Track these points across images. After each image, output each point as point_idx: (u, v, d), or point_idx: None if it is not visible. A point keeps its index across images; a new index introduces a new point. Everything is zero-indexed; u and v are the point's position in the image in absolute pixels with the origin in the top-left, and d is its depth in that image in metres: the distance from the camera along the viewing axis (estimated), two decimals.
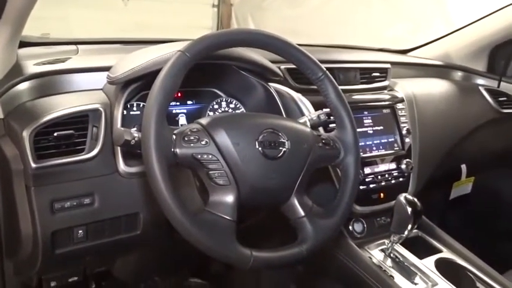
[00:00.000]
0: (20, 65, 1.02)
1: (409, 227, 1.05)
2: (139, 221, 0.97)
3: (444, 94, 1.56)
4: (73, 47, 1.22)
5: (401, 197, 1.06)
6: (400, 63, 1.58)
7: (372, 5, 2.84)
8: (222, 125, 0.82)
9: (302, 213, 0.87)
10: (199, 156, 0.79)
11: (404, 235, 1.08)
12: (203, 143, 0.80)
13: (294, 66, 1.24)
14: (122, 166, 0.92)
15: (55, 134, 0.86)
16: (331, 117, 1.01)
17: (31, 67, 1.01)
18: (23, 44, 1.17)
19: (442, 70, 1.77)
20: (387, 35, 2.61)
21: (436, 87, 1.57)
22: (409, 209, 1.04)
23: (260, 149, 0.83)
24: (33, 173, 0.83)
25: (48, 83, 0.98)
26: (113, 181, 0.92)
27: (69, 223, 0.88)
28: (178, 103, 1.12)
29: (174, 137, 0.78)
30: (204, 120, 0.83)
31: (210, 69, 1.10)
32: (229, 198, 0.81)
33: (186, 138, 0.79)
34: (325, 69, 0.95)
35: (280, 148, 0.85)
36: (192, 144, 0.79)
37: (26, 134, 0.84)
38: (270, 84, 1.13)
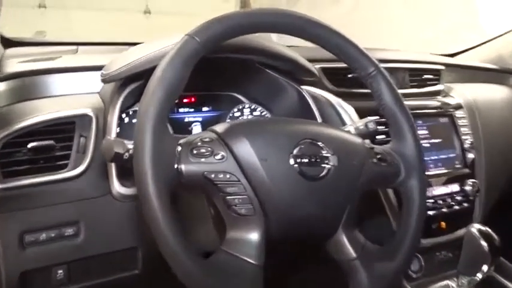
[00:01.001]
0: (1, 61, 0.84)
1: (485, 268, 0.81)
2: (138, 257, 0.76)
3: (507, 101, 1.31)
4: (73, 47, 1.03)
5: (473, 228, 0.83)
6: (453, 65, 1.34)
7: (407, 5, 2.62)
8: (244, 134, 0.61)
9: (353, 253, 0.64)
10: (212, 175, 0.58)
11: (477, 278, 0.83)
12: (218, 157, 0.59)
13: (331, 66, 1.06)
14: (116, 186, 0.71)
15: (29, 146, 0.66)
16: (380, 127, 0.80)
17: (12, 66, 0.82)
18: (13, 44, 0.99)
19: (497, 75, 1.53)
20: (424, 37, 2.37)
21: (497, 94, 1.33)
22: (485, 244, 0.80)
23: (296, 166, 0.61)
24: None
25: (32, 85, 0.79)
26: (104, 206, 0.72)
27: (46, 261, 0.68)
28: (192, 109, 0.93)
29: (179, 148, 0.57)
30: (219, 127, 0.62)
31: (229, 67, 0.89)
32: (254, 234, 0.59)
33: (195, 151, 0.58)
34: (378, 63, 0.74)
35: (323, 165, 0.63)
36: (203, 159, 0.58)
37: None
38: (302, 86, 0.93)
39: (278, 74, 0.91)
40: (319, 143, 0.64)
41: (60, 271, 0.69)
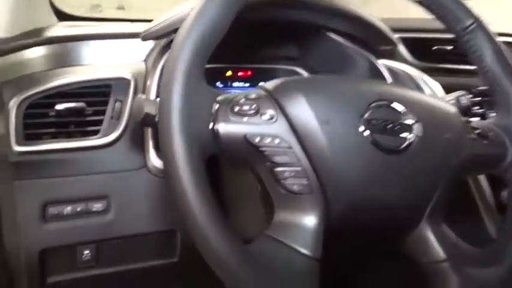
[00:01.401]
0: (45, 27, 0.79)
1: None
2: (176, 242, 0.66)
3: None
4: None
5: None
6: None
7: None
8: (301, 90, 0.48)
9: (442, 254, 0.49)
10: (257, 139, 0.45)
11: None
12: (266, 117, 0.46)
13: (412, 36, 0.90)
14: (152, 159, 0.62)
15: (57, 107, 0.59)
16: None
17: (55, 31, 0.77)
18: (67, 17, 0.95)
19: None
20: None
21: None
22: None
23: (368, 133, 0.47)
24: (16, 159, 0.56)
25: (74, 51, 0.72)
26: (138, 180, 0.62)
27: (70, 239, 0.60)
28: (247, 84, 0.82)
29: (216, 106, 0.46)
30: (270, 84, 0.50)
31: (290, 35, 0.77)
32: (310, 217, 0.46)
33: (236, 108, 0.46)
34: (478, 15, 0.58)
35: (404, 134, 0.48)
36: (245, 119, 0.46)
37: (13, 104, 0.57)
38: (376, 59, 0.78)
39: (348, 42, 0.77)
40: (399, 107, 0.49)
41: (87, 251, 0.61)
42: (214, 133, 0.45)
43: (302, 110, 0.46)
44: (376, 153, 0.47)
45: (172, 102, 0.42)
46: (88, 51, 0.73)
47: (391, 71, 0.78)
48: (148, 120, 0.48)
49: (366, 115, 0.48)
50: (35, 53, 0.69)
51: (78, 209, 0.59)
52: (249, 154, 0.46)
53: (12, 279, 0.60)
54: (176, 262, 0.66)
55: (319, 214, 0.46)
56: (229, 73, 0.79)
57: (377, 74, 0.77)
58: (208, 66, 0.46)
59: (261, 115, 0.46)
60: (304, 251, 0.45)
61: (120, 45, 0.75)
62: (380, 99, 0.49)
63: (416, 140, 0.48)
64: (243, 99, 0.47)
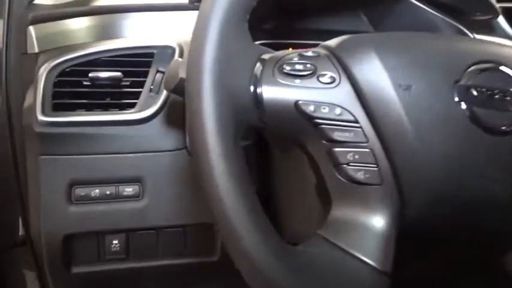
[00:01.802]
0: None
1: None
2: (216, 239, 0.57)
3: None
4: None
5: None
6: None
7: None
8: (372, 47, 0.36)
9: None
10: (311, 107, 0.35)
11: None
12: (325, 79, 0.35)
13: None
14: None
15: (90, 75, 0.52)
16: None
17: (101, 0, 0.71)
18: None
19: None
20: None
21: None
22: None
23: (464, 105, 0.35)
24: (40, 130, 0.50)
25: (117, 23, 0.66)
26: (176, 163, 0.54)
27: (97, 225, 0.53)
28: None
29: (258, 64, 0.36)
30: (333, 41, 0.39)
31: (358, 2, 0.65)
32: (379, 218, 0.35)
33: (287, 68, 0.35)
34: None
35: None
36: (297, 81, 0.35)
37: (43, 70, 0.52)
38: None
39: (437, 10, 0.63)
40: (509, 71, 0.36)
41: (116, 241, 0.53)
42: (257, 99, 0.34)
43: (373, 71, 0.35)
44: (476, 132, 0.34)
45: (203, 55, 0.33)
46: (132, 23, 0.66)
47: None
48: (180, 89, 0.39)
49: (463, 81, 0.35)
50: (77, 24, 0.63)
51: (108, 192, 0.52)
52: (300, 128, 0.35)
53: (37, 266, 0.54)
54: (216, 261, 0.57)
55: (391, 213, 0.35)
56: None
57: None
58: (264, 42, 0.36)
59: (319, 77, 0.35)
60: (368, 260, 0.33)
61: (167, 18, 0.68)
62: (483, 61, 0.36)
63: None
64: (296, 58, 0.36)
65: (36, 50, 0.58)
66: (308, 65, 0.35)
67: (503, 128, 0.35)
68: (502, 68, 0.36)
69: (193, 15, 0.59)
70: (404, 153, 0.34)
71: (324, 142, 0.35)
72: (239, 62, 0.34)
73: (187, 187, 0.54)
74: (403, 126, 0.34)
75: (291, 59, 0.36)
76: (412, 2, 0.63)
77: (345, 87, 0.35)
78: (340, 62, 0.36)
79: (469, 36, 0.63)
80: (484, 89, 0.35)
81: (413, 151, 0.34)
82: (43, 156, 0.51)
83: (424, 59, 0.36)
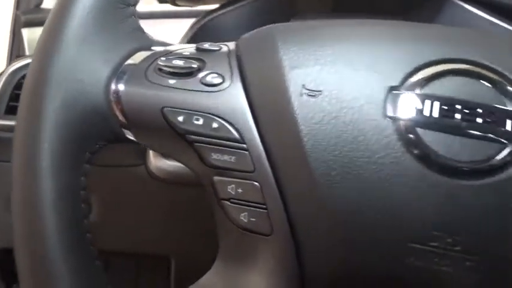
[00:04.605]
0: None
1: None
2: (170, 273, 0.48)
3: None
4: None
5: None
6: None
7: None
8: (279, 39, 0.25)
9: None
10: (180, 117, 0.25)
11: None
12: (209, 81, 0.25)
13: None
14: (151, 157, 0.46)
15: None
16: None
17: None
18: None
19: None
20: None
21: None
22: None
23: (402, 125, 0.22)
24: None
25: None
26: (131, 180, 0.47)
27: None
28: None
29: (137, 57, 0.27)
30: (246, 34, 0.28)
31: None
32: (270, 279, 0.23)
33: (161, 64, 0.26)
34: None
35: (501, 140, 0.22)
36: (172, 81, 0.26)
37: (7, 69, 0.49)
38: None
39: (493, 15, 0.49)
40: (494, 80, 0.22)
41: None
42: (111, 99, 0.26)
43: (271, 70, 0.24)
44: (422, 172, 0.21)
45: (49, 31, 0.26)
46: None
47: None
48: None
49: (406, 87, 0.23)
50: None
51: None
52: (172, 144, 0.26)
53: None
54: None
55: (286, 276, 0.23)
56: None
57: None
58: None
59: (202, 77, 0.26)
60: None
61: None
62: (448, 60, 0.23)
63: None
64: (187, 52, 0.27)
65: (27, 53, 0.57)
66: (193, 61, 0.26)
67: (474, 166, 0.21)
68: (482, 72, 0.22)
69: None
70: (303, 192, 0.23)
71: (205, 166, 0.25)
72: (101, 48, 0.26)
73: (142, 209, 0.47)
74: (302, 151, 0.23)
75: (171, 51, 0.27)
76: (461, 6, 0.49)
77: (234, 93, 0.25)
78: (238, 58, 0.26)
79: None
80: (444, 103, 0.22)
81: (315, 191, 0.22)
82: None
83: (352, 55, 0.24)
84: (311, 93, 0.23)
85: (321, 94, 0.23)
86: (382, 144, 0.22)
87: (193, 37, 0.50)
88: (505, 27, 0.48)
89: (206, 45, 0.27)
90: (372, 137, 0.22)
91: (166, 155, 0.41)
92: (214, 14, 0.52)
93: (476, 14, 0.49)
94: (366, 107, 0.22)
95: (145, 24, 0.52)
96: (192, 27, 0.52)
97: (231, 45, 0.28)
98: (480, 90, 0.22)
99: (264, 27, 0.27)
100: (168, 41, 0.31)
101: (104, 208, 0.47)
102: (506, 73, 0.22)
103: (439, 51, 0.23)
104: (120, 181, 0.47)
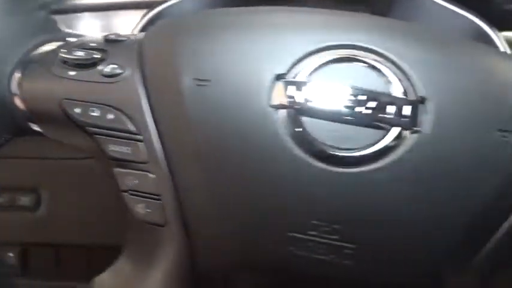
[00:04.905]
0: None
1: None
2: None
3: None
4: None
5: None
6: None
7: None
8: (177, 30, 0.25)
9: None
10: (78, 109, 0.25)
11: None
12: (108, 71, 0.25)
13: None
14: None
15: None
16: None
17: None
18: None
19: None
20: None
21: None
22: None
23: (284, 115, 0.22)
24: None
25: None
26: (81, 173, 0.47)
27: None
28: None
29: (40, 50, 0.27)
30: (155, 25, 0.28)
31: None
32: (162, 271, 0.23)
33: (62, 55, 0.26)
34: None
35: (384, 126, 0.21)
36: (72, 73, 0.25)
37: None
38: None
39: (454, 2, 0.49)
40: (385, 66, 0.22)
41: (11, 254, 0.48)
42: (15, 92, 0.26)
43: (166, 60, 0.24)
44: (303, 161, 0.21)
45: None
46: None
47: None
48: None
49: (293, 74, 0.22)
50: None
51: (1, 200, 0.47)
52: (74, 136, 0.26)
53: None
54: None
55: (178, 269, 0.23)
56: None
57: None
58: None
59: (103, 68, 0.25)
60: None
61: None
62: (334, 46, 0.22)
63: (415, 140, 0.21)
64: (93, 43, 0.27)
65: None
66: (95, 52, 0.26)
67: (354, 154, 0.21)
68: (366, 58, 0.22)
69: None
70: (194, 183, 0.22)
71: (106, 158, 0.25)
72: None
73: (91, 201, 0.47)
74: (192, 141, 0.22)
75: (80, 44, 0.27)
76: (447, 10, 0.49)
77: (132, 83, 0.25)
78: (140, 49, 0.26)
79: (489, 35, 0.46)
80: (331, 91, 0.22)
81: (205, 181, 0.22)
82: None
83: (243, 44, 0.23)
84: (201, 83, 0.23)
85: (210, 83, 0.22)
86: (266, 133, 0.21)
87: (144, 27, 0.50)
88: (457, 12, 0.48)
89: (113, 36, 0.27)
90: (256, 126, 0.22)
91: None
92: (168, 3, 0.51)
93: (436, 2, 0.49)
94: (252, 96, 0.22)
95: (102, 16, 0.52)
96: (142, 17, 0.51)
97: (140, 36, 0.27)
98: (366, 76, 0.22)
99: (169, 19, 0.27)
100: (96, 34, 0.31)
101: (53, 202, 0.47)
102: (394, 58, 0.22)
103: (327, 38, 0.22)
104: (71, 174, 0.47)
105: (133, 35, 0.27)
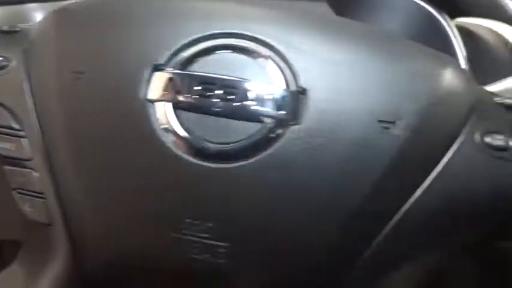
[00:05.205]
0: None
1: None
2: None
3: None
4: None
5: None
6: None
7: None
8: (60, 20, 0.24)
9: None
10: None
11: None
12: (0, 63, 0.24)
13: None
14: None
15: None
16: None
17: None
18: None
19: None
20: None
21: None
22: None
23: (161, 108, 0.21)
24: None
25: None
26: None
27: None
28: None
29: None
30: None
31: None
32: (47, 272, 0.23)
33: None
34: None
35: (264, 112, 0.21)
36: None
37: None
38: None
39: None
40: (256, 49, 0.21)
41: None
42: None
43: (46, 50, 0.23)
44: (172, 156, 0.20)
45: None
46: None
47: (471, 35, 0.45)
48: None
49: (172, 66, 0.21)
50: None
51: None
52: None
53: None
54: None
55: (63, 268, 0.22)
56: None
57: (439, 39, 0.45)
58: None
59: None
60: None
61: None
62: (214, 35, 0.21)
63: (293, 134, 0.20)
64: None
65: None
66: None
67: (226, 148, 0.20)
68: (249, 46, 0.21)
69: None
70: (70, 181, 0.21)
71: None
72: None
73: None
74: (67, 137, 0.21)
75: None
76: (419, 6, 0.47)
77: (16, 77, 0.24)
78: (28, 41, 0.25)
79: (439, 21, 0.46)
80: (206, 82, 0.21)
81: (80, 179, 0.21)
82: None
83: (121, 33, 0.22)
84: (75, 75, 0.22)
85: (84, 75, 0.21)
86: (141, 128, 0.20)
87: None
88: (415, 2, 0.47)
89: (5, 27, 0.26)
90: (130, 121, 0.21)
91: None
92: None
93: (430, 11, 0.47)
94: (127, 88, 0.21)
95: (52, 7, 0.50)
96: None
97: (34, 26, 0.26)
98: (246, 66, 0.21)
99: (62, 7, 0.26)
100: None
101: None
102: (278, 47, 0.21)
103: (210, 26, 0.21)
104: None
105: (29, 25, 0.26)
